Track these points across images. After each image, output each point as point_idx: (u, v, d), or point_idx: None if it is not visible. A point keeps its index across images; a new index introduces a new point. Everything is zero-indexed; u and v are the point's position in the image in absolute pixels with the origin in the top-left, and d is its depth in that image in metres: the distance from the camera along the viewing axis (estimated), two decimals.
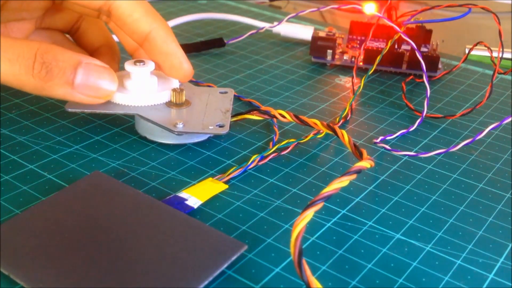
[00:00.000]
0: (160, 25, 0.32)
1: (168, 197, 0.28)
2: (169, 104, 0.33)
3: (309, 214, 0.23)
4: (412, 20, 0.40)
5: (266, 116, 0.34)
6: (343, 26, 0.57)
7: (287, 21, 0.46)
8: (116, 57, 0.37)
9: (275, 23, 0.49)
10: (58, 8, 0.36)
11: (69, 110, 0.32)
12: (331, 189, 0.24)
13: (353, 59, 0.46)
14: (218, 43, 0.48)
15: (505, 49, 0.47)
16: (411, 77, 0.44)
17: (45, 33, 0.36)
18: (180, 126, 0.31)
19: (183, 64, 0.33)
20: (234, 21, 0.54)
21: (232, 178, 0.31)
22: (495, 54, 0.42)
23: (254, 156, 0.32)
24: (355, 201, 0.30)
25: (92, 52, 0.37)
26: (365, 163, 0.27)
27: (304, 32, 0.50)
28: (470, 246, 0.27)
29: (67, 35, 0.38)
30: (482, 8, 0.37)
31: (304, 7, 0.60)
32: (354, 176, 0.26)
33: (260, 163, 0.32)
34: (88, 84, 0.30)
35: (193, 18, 0.53)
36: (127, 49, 0.36)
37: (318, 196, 0.24)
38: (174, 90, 0.33)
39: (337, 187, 0.24)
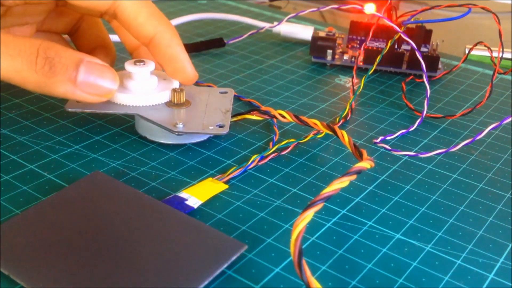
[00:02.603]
0: (165, 28, 0.32)
1: (168, 197, 0.28)
2: (169, 104, 0.33)
3: (309, 215, 0.23)
4: (412, 20, 0.40)
5: (266, 116, 0.34)
6: (343, 26, 0.57)
7: (287, 21, 0.46)
8: (110, 58, 0.37)
9: (275, 23, 0.49)
10: (60, 11, 0.36)
11: (69, 110, 0.32)
12: (331, 190, 0.24)
13: (353, 59, 0.46)
14: (218, 43, 0.48)
15: (505, 49, 0.47)
16: (411, 77, 0.44)
17: (42, 35, 0.36)
18: (180, 126, 0.31)
19: (187, 68, 0.33)
20: (234, 21, 0.54)
21: (232, 178, 0.31)
22: (495, 54, 0.42)
23: (254, 156, 0.32)
24: (355, 201, 0.30)
25: (88, 52, 0.37)
26: (365, 164, 0.27)
27: (304, 32, 0.50)
28: (470, 246, 0.27)
29: (66, 36, 0.38)
30: (482, 8, 0.37)
31: (304, 7, 0.60)
32: (354, 177, 0.26)
33: (260, 163, 0.32)
34: (90, 82, 0.29)
35: (193, 18, 0.53)
36: (127, 48, 0.37)
37: (318, 197, 0.24)
38: (174, 90, 0.33)
39: (337, 188, 0.24)
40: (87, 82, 0.29)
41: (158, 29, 0.32)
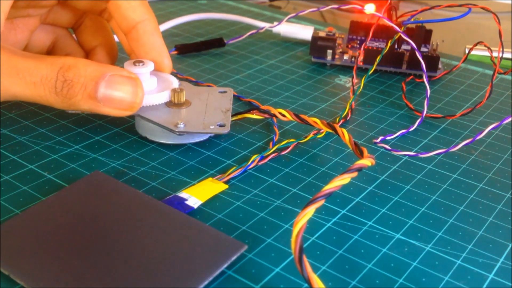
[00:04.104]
0: (151, 18, 0.34)
1: (168, 197, 0.28)
2: (169, 104, 0.33)
3: (310, 211, 0.23)
4: (412, 20, 0.40)
5: (266, 115, 0.34)
6: (343, 26, 0.57)
7: (287, 21, 0.46)
8: (111, 57, 0.37)
9: (275, 23, 0.49)
10: (63, 5, 0.36)
11: (70, 112, 0.32)
12: (333, 186, 0.24)
13: (353, 59, 0.46)
14: (218, 43, 0.48)
15: (505, 49, 0.47)
16: (411, 77, 0.44)
17: (49, 28, 0.37)
18: (181, 126, 0.31)
19: (164, 59, 0.34)
20: (234, 21, 0.54)
21: (232, 178, 0.31)
22: (495, 54, 0.42)
23: (254, 156, 0.32)
24: (355, 201, 0.30)
25: (89, 50, 0.37)
26: (366, 161, 0.27)
27: (304, 32, 0.50)
28: (470, 246, 0.27)
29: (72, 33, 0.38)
30: (482, 8, 0.37)
31: (304, 7, 0.60)
32: (355, 174, 0.26)
33: (260, 163, 0.32)
34: (112, 97, 0.30)
35: (193, 18, 0.53)
36: (126, 48, 0.37)
37: (320, 193, 0.24)
38: (174, 90, 0.33)
39: (338, 184, 0.24)
40: (108, 97, 0.30)
41: (145, 17, 0.33)
